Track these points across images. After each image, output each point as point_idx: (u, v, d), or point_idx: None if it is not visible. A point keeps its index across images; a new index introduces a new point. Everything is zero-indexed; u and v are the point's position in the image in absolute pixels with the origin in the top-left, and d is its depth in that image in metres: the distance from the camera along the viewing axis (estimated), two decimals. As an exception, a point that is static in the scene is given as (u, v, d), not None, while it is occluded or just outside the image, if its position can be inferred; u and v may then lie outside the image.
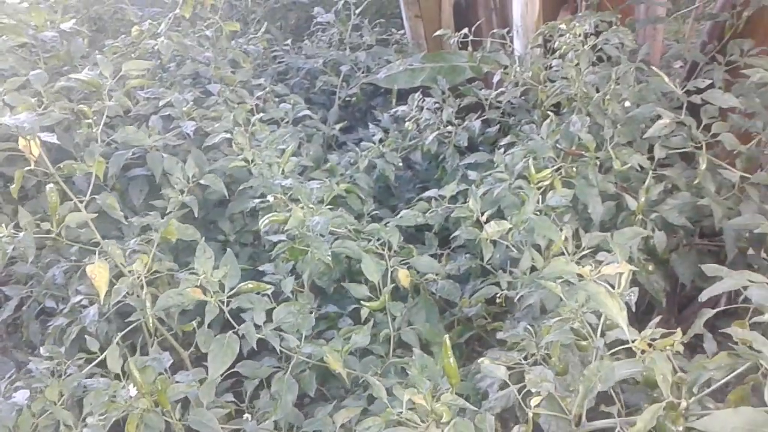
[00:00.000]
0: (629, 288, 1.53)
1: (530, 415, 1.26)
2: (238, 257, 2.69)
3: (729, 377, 1.14)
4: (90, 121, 1.79)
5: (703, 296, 1.32)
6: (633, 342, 1.18)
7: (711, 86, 2.18)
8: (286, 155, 2.12)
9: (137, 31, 2.93)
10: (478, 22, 3.93)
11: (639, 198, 2.12)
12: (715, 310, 1.35)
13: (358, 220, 2.30)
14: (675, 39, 2.98)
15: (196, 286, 1.52)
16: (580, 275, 1.41)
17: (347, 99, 3.72)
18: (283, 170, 2.12)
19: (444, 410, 1.24)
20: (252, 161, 2.11)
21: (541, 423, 1.29)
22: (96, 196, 1.69)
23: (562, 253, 1.84)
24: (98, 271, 1.59)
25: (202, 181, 2.03)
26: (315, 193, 1.94)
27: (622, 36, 2.42)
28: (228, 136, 2.24)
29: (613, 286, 1.33)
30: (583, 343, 1.36)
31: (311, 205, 1.82)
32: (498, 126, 2.74)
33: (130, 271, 1.74)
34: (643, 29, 3.22)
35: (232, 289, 1.57)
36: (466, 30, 3.19)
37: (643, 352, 1.17)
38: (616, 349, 1.27)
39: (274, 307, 1.68)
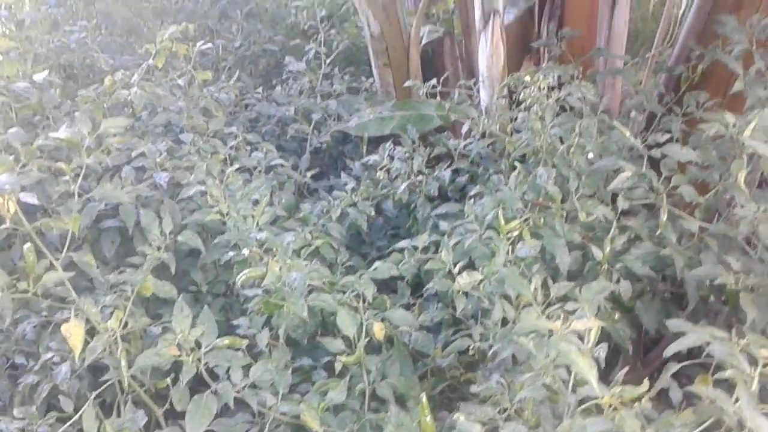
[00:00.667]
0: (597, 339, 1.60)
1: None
2: (210, 307, 2.71)
3: (695, 432, 1.19)
4: (68, 177, 1.80)
5: (668, 352, 1.37)
6: (602, 398, 1.23)
7: (670, 140, 2.28)
8: (260, 207, 2.15)
9: (110, 81, 2.96)
10: (446, 73, 4.07)
11: (604, 248, 2.19)
12: (680, 364, 1.41)
13: (331, 269, 2.33)
14: (635, 90, 3.11)
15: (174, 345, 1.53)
16: (550, 330, 1.46)
17: (318, 146, 3.78)
18: (257, 222, 2.14)
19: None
20: (227, 214, 2.13)
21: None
22: (72, 254, 1.69)
23: (531, 304, 1.89)
24: (73, 330, 1.59)
25: (179, 238, 2.04)
26: (290, 246, 1.96)
27: (585, 90, 2.53)
28: (202, 188, 2.26)
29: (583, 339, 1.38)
30: (555, 396, 1.40)
31: (288, 260, 1.84)
32: (467, 175, 2.81)
33: (104, 328, 1.74)
34: (602, 80, 3.35)
35: (208, 346, 1.58)
36: (434, 81, 3.29)
37: (612, 408, 1.21)
38: (587, 404, 1.31)
39: (251, 364, 1.70)
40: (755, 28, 2.75)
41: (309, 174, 3.36)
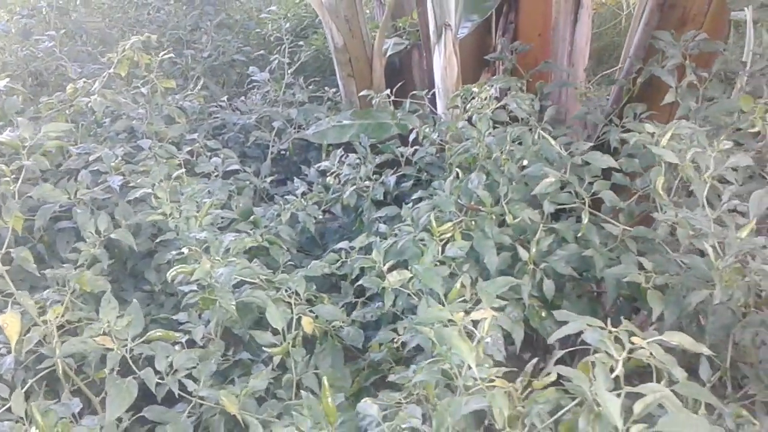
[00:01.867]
0: (501, 331, 1.72)
1: (397, 449, 1.39)
2: (163, 306, 2.82)
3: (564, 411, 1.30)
4: (8, 179, 1.91)
5: (551, 339, 1.49)
6: (481, 380, 1.34)
7: (599, 147, 2.41)
8: (204, 209, 2.26)
9: (72, 89, 3.07)
10: (401, 83, 4.19)
11: (531, 249, 2.31)
12: (563, 351, 1.52)
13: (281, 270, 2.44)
14: (579, 101, 3.24)
15: (103, 334, 1.63)
16: (451, 320, 1.57)
17: (284, 153, 3.90)
18: (200, 223, 2.25)
19: (317, 445, 1.36)
20: (170, 215, 2.23)
21: (408, 457, 1.43)
22: (11, 250, 1.80)
23: (464, 301, 2.00)
24: (10, 321, 1.69)
25: (113, 236, 2.15)
26: (228, 245, 2.07)
27: (520, 101, 2.65)
28: (149, 190, 2.37)
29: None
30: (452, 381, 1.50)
31: (218, 258, 1.95)
32: (412, 182, 2.93)
33: (43, 321, 1.83)
34: (552, 92, 3.48)
35: (136, 336, 1.69)
36: (388, 90, 3.42)
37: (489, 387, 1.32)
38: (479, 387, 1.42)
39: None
40: (689, 43, 2.89)
41: (268, 180, 3.47)
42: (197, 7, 4.85)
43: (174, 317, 2.18)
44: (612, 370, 1.30)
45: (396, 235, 2.43)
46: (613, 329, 1.40)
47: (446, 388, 1.67)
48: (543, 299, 2.37)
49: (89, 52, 4.34)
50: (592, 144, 2.44)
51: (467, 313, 1.60)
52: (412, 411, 1.45)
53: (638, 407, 1.19)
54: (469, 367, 1.39)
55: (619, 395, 1.21)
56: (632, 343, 1.37)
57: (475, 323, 1.57)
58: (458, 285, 2.02)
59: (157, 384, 1.74)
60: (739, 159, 2.08)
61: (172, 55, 3.45)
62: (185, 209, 2.26)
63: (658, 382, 1.36)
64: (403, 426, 1.43)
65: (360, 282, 2.26)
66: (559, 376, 1.42)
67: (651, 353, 1.36)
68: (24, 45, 3.85)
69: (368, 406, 1.48)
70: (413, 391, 1.67)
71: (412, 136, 2.96)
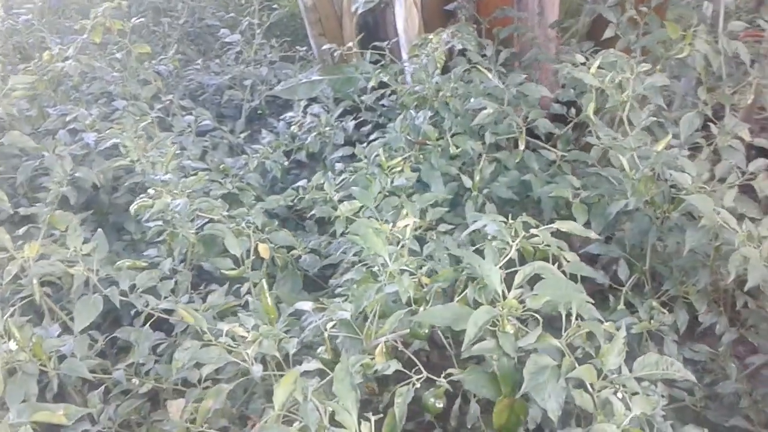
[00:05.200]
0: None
1: (326, 335, 1.59)
2: (143, 254, 3.02)
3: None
4: (-20, 128, 2.09)
5: (465, 234, 1.67)
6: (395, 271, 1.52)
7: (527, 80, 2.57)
8: (168, 154, 2.44)
9: (48, 55, 3.24)
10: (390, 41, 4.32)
11: (474, 177, 2.48)
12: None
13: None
14: (531, 44, 3.38)
15: (68, 260, 1.83)
16: (379, 229, 1.76)
17: (259, 112, 4.06)
18: (166, 168, 2.43)
19: (255, 336, 1.56)
20: (137, 160, 2.42)
21: (339, 343, 1.62)
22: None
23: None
24: (-13, 255, 1.88)
25: (77, 174, 2.34)
26: (187, 184, 2.25)
27: (466, 42, 2.80)
28: (118, 140, 2.55)
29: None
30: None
31: (176, 192, 2.14)
32: (371, 126, 3.10)
33: (21, 257, 2.02)
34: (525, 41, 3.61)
35: (102, 260, 1.88)
36: (350, 44, 3.57)
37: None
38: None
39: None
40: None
41: (242, 135, 3.64)
42: (173, -25, 4.99)
43: (144, 253, 2.37)
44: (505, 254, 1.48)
45: (351, 171, 2.61)
46: (512, 221, 1.58)
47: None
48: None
49: (70, 25, 4.49)
50: (525, 76, 2.59)
51: (394, 224, 1.79)
52: (340, 305, 1.63)
53: (518, 277, 1.38)
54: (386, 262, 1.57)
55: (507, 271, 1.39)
56: (527, 233, 1.55)
57: (401, 231, 1.76)
58: (404, 211, 2.21)
59: (126, 305, 1.93)
60: (656, 79, 2.24)
61: (143, 19, 3.60)
62: (151, 155, 2.44)
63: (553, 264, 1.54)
64: (334, 317, 1.62)
65: (317, 214, 2.45)
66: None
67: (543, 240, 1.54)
68: (4, 19, 4.01)
69: (303, 303, 1.67)
70: (346, 293, 1.86)
71: (369, 84, 3.11)
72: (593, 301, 1.36)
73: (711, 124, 2.46)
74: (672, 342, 1.92)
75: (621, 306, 2.00)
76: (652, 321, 1.93)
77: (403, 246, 1.70)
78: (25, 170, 2.65)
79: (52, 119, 3.02)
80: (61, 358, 1.84)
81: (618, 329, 1.32)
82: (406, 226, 1.71)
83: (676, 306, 2.07)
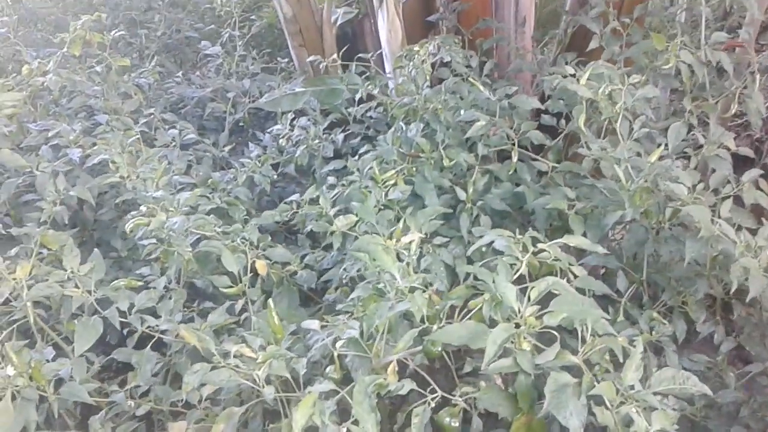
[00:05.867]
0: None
1: (335, 354, 1.57)
2: (130, 271, 2.96)
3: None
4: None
5: (470, 251, 1.67)
6: (405, 288, 1.52)
7: (518, 92, 2.59)
8: (159, 170, 2.40)
9: (27, 70, 3.17)
10: (371, 52, 4.32)
11: (468, 189, 2.48)
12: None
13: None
14: (516, 55, 3.41)
15: (67, 280, 1.78)
16: (383, 245, 1.75)
17: (241, 125, 4.03)
18: (157, 185, 2.39)
19: (266, 356, 1.53)
20: (128, 177, 2.37)
21: (347, 362, 1.60)
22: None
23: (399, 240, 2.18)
24: (-21, 278, 1.83)
25: (71, 192, 2.29)
26: (182, 200, 2.22)
27: (454, 53, 2.82)
28: (106, 156, 2.50)
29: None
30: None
31: (171, 209, 2.10)
32: (360, 138, 3.09)
33: (13, 278, 1.97)
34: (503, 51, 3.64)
35: (99, 281, 1.84)
36: (335, 55, 3.56)
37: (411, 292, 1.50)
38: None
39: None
40: (613, -9, 3.06)
41: (226, 149, 3.61)
42: (149, -13, 4.94)
43: (137, 272, 2.32)
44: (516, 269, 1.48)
45: (344, 185, 2.59)
46: (520, 236, 1.58)
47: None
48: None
49: (44, 37, 4.41)
50: (516, 88, 2.61)
51: (398, 239, 1.78)
52: (349, 323, 1.62)
53: (533, 293, 1.38)
54: (394, 278, 1.57)
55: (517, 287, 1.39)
56: (536, 248, 1.55)
57: (406, 247, 1.75)
58: (401, 225, 2.20)
59: (123, 325, 1.90)
60: (647, 91, 2.27)
61: (123, 32, 3.55)
62: (141, 171, 2.40)
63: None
64: (343, 336, 1.60)
65: (310, 228, 2.43)
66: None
67: (553, 255, 1.54)
68: (-23, 32, 3.92)
69: (310, 322, 1.65)
70: (353, 311, 1.84)
71: (357, 96, 3.10)
72: (608, 317, 1.37)
73: (696, 134, 2.51)
74: (673, 352, 1.94)
75: (621, 317, 2.02)
76: (653, 332, 1.94)
77: (408, 263, 1.70)
78: (7, 188, 2.59)
79: (34, 135, 2.95)
80: (58, 381, 1.79)
81: (632, 344, 1.33)
82: (411, 241, 1.71)
83: (674, 316, 2.10)
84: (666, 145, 2.44)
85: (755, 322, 2.20)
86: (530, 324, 1.32)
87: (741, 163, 3.01)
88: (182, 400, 1.89)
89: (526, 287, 1.45)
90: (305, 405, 1.24)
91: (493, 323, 1.33)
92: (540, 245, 1.58)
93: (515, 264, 1.52)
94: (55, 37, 4.66)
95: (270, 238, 2.56)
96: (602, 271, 2.52)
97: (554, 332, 1.33)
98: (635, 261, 2.25)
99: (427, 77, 2.77)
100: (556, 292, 1.40)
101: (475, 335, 1.32)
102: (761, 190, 2.43)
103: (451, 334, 1.34)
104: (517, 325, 1.33)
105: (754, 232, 1.95)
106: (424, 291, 1.51)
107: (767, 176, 2.29)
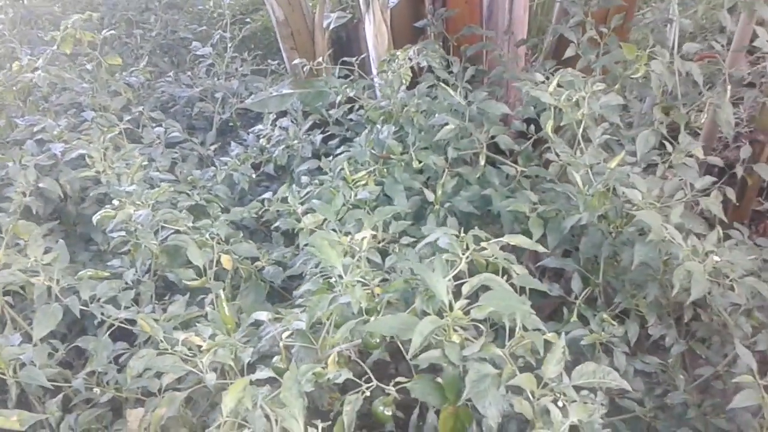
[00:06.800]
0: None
1: (281, 345, 1.62)
2: (110, 265, 3.03)
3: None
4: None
5: (419, 247, 1.72)
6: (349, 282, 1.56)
7: (491, 97, 2.63)
8: (134, 166, 2.46)
9: (17, 66, 3.25)
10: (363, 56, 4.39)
11: (437, 191, 2.53)
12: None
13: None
14: (498, 62, 3.46)
15: (29, 270, 1.85)
16: (337, 240, 1.80)
17: (230, 125, 4.10)
18: (131, 180, 2.45)
19: (211, 345, 1.59)
20: (103, 171, 2.44)
21: (294, 352, 1.65)
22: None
23: (374, 236, 2.23)
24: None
25: (40, 184, 2.36)
26: (150, 195, 2.28)
27: (431, 59, 2.87)
28: (83, 151, 2.57)
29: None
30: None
31: (138, 203, 2.16)
32: (339, 140, 3.14)
33: (-17, 265, 2.03)
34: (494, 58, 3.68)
35: (62, 270, 1.90)
36: (321, 58, 3.62)
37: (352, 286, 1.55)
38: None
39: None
40: (590, 1, 3.11)
41: (212, 147, 3.67)
42: (146, -13, 5.03)
43: (108, 263, 2.38)
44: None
45: (316, 184, 2.65)
46: (463, 235, 1.63)
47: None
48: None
49: (41, 36, 4.49)
50: (486, 93, 2.66)
51: (351, 235, 1.83)
52: (297, 315, 1.67)
53: (465, 288, 1.43)
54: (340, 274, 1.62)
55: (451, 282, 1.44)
56: (477, 246, 1.60)
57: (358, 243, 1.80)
58: (366, 223, 2.25)
59: (84, 313, 1.95)
60: (610, 99, 2.31)
61: (114, 32, 3.62)
62: (117, 167, 2.46)
63: (501, 278, 1.59)
64: (290, 327, 1.65)
65: (279, 225, 2.48)
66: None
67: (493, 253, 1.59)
68: (-26, 30, 4.01)
69: (260, 313, 1.71)
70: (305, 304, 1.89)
71: (338, 99, 3.16)
72: (535, 312, 1.41)
73: (666, 143, 2.55)
74: (621, 353, 1.97)
75: (574, 318, 2.06)
76: (603, 333, 1.98)
77: (359, 258, 1.75)
78: (-13, 181, 2.67)
79: (20, 129, 3.02)
80: (22, 366, 1.85)
81: (558, 339, 1.38)
82: (363, 238, 1.76)
83: (629, 318, 2.14)
84: (634, 152, 2.49)
85: (714, 328, 2.23)
86: (458, 316, 1.37)
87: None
88: (143, 388, 1.95)
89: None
90: (235, 389, 1.29)
91: (424, 316, 1.38)
92: (483, 244, 1.63)
93: (456, 261, 1.57)
94: (50, 34, 4.77)
95: (245, 234, 2.63)
96: (569, 274, 2.56)
97: (482, 326, 1.38)
98: (596, 265, 2.29)
99: (404, 81, 2.82)
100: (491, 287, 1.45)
101: (406, 327, 1.36)
102: (729, 198, 2.49)
103: (384, 326, 1.39)
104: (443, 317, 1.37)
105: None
106: (365, 285, 1.56)
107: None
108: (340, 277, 1.65)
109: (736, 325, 2.01)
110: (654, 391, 2.13)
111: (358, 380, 1.48)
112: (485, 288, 1.48)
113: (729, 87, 2.70)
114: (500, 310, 1.36)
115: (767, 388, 1.70)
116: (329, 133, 3.20)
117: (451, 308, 1.40)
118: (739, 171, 2.82)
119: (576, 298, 2.13)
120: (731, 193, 2.48)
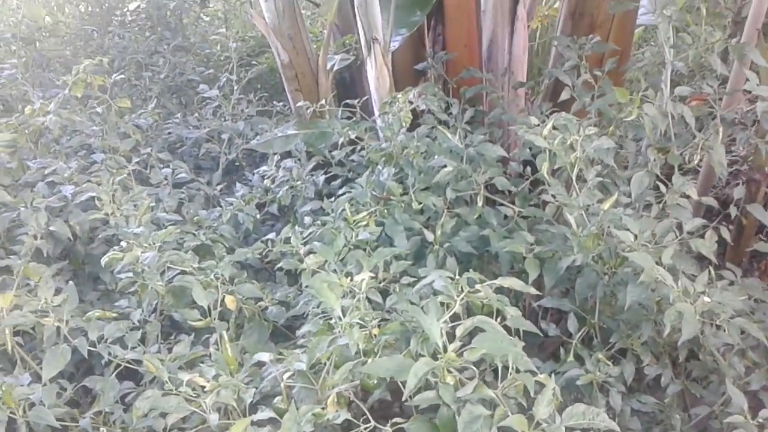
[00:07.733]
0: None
1: (282, 386, 1.67)
2: (118, 305, 3.09)
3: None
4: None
5: (415, 289, 1.77)
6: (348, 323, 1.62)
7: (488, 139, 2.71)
8: (142, 208, 2.54)
9: (29, 110, 3.36)
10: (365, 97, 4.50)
11: (436, 232, 2.60)
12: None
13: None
14: (495, 103, 3.55)
15: (39, 311, 1.91)
16: (336, 282, 1.86)
17: (236, 165, 4.19)
18: (139, 221, 2.53)
19: (214, 386, 1.64)
20: (111, 213, 2.51)
21: (295, 393, 1.70)
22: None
23: (374, 277, 2.29)
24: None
25: (51, 228, 2.43)
26: (157, 237, 2.35)
27: (429, 102, 2.96)
28: (94, 194, 2.65)
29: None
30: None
31: (146, 244, 2.23)
32: (341, 180, 3.22)
33: (-5, 307, 2.10)
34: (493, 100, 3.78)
35: (71, 311, 1.96)
36: (324, 101, 3.73)
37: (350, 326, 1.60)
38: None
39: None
40: (585, 45, 3.21)
41: (219, 188, 3.76)
42: (156, 32, 5.17)
43: (116, 304, 2.44)
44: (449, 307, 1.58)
45: (319, 225, 2.71)
46: (458, 277, 1.69)
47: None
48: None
49: (52, 78, 4.63)
50: (483, 136, 2.73)
51: (352, 276, 1.89)
52: (297, 356, 1.72)
53: (459, 330, 1.48)
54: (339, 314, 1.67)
55: (446, 324, 1.49)
56: (471, 288, 1.66)
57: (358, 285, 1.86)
58: (365, 264, 2.31)
59: (91, 352, 2.01)
60: (602, 142, 2.38)
61: (123, 76, 3.74)
62: (125, 209, 2.53)
63: (495, 319, 1.65)
64: (291, 368, 1.70)
65: (282, 266, 2.54)
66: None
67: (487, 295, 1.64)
68: (-12, 73, 4.14)
69: (261, 354, 1.76)
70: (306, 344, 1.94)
71: (340, 140, 3.25)
72: (526, 354, 1.46)
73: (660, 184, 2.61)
74: (617, 393, 2.01)
75: (570, 358, 2.10)
76: (599, 372, 2.02)
77: (359, 299, 1.80)
78: (1, 222, 2.74)
79: (32, 172, 3.12)
80: (31, 406, 1.90)
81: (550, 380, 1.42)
82: (362, 280, 1.82)
83: (625, 358, 2.18)
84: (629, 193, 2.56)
85: (709, 367, 2.26)
86: (451, 359, 1.42)
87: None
88: (148, 428, 1.99)
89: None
90: (237, 429, 1.33)
91: (419, 357, 1.43)
92: (477, 286, 1.69)
93: (451, 303, 1.62)
94: (61, 77, 4.91)
95: (249, 273, 2.69)
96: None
97: (474, 368, 1.43)
98: (593, 305, 2.33)
99: (404, 124, 2.90)
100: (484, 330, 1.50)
101: (401, 368, 1.41)
102: (724, 238, 2.54)
103: (380, 367, 1.44)
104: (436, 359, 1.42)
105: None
106: (363, 327, 1.62)
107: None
108: (340, 318, 1.71)
109: (729, 365, 2.04)
110: (651, 430, 2.16)
111: (356, 421, 1.52)
112: (480, 329, 1.53)
113: (721, 129, 2.77)
114: (492, 351, 1.41)
115: (761, 427, 1.73)
116: (332, 173, 3.28)
117: (445, 350, 1.45)
118: (734, 211, 2.87)
119: (572, 337, 2.17)
120: (726, 233, 2.53)
